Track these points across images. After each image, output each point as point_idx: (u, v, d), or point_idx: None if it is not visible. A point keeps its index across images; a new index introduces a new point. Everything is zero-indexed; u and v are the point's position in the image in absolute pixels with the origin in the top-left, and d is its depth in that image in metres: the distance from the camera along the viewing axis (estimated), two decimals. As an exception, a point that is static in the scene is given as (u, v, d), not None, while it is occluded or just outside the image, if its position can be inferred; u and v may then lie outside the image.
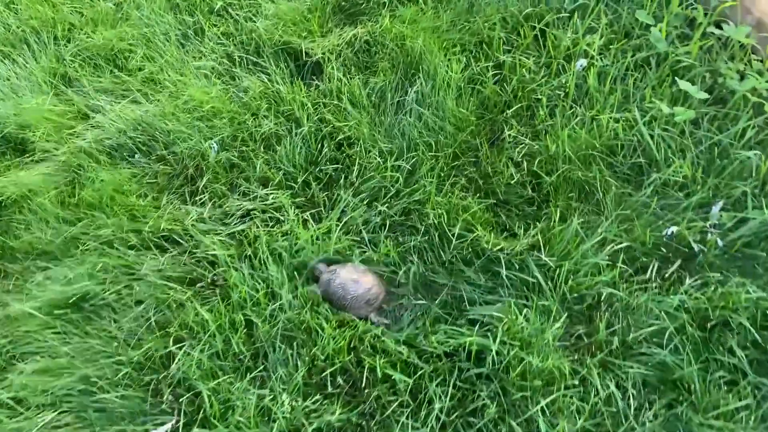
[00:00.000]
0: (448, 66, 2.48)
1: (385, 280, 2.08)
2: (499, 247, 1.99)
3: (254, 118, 2.53)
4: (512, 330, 1.85)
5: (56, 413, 1.88)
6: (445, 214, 2.11)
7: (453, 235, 2.06)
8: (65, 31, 2.96)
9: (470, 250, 2.04)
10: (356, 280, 2.01)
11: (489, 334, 1.87)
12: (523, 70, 2.43)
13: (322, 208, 2.28)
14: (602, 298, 1.93)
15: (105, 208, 2.27)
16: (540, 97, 2.38)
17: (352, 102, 2.49)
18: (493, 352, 1.80)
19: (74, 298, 2.07)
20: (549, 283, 1.97)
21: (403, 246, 2.11)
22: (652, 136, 2.21)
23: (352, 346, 1.94)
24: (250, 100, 2.56)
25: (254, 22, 2.86)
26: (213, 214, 2.30)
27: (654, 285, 1.96)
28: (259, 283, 2.05)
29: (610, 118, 2.26)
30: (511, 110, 2.36)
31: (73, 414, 1.90)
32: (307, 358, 1.93)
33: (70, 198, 2.34)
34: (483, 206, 2.12)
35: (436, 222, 2.10)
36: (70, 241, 2.23)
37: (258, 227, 2.22)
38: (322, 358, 1.90)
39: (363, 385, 1.86)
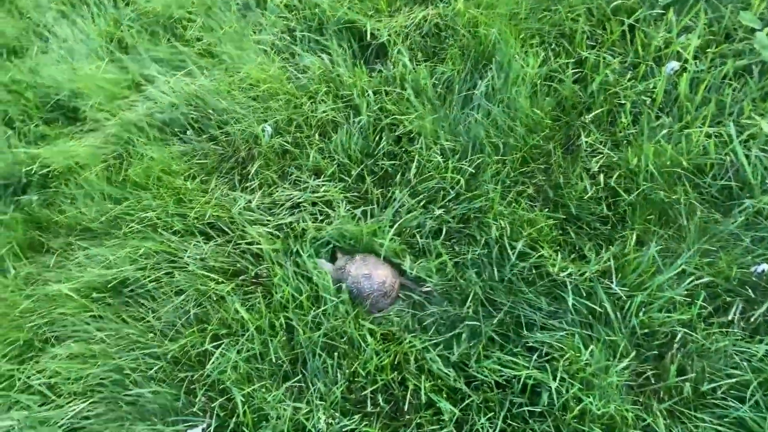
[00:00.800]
0: (524, 59, 2.26)
1: (395, 269, 1.95)
2: (567, 273, 1.80)
3: (311, 102, 2.37)
4: (574, 365, 1.68)
5: (87, 403, 1.80)
6: (508, 226, 1.93)
7: (515, 252, 1.88)
8: (124, -7, 2.84)
9: (534, 270, 1.86)
10: (368, 275, 1.90)
11: (548, 366, 1.70)
12: (607, 69, 2.19)
13: (375, 206, 2.12)
14: (676, 338, 1.73)
15: (151, 189, 2.17)
16: (624, 101, 2.15)
17: (416, 92, 2.30)
18: (553, 390, 1.63)
19: (113, 282, 1.98)
20: (618, 315, 1.77)
21: (460, 257, 1.94)
22: (747, 157, 1.96)
23: (396, 361, 1.80)
24: (308, 82, 2.40)
25: (319, -6, 2.68)
26: (261, 203, 2.17)
27: (736, 329, 1.74)
28: (304, 285, 1.92)
29: (701, 132, 2.02)
30: (590, 114, 2.13)
31: (104, 405, 1.82)
32: (347, 371, 1.80)
33: (117, 174, 2.25)
34: (551, 222, 1.92)
35: (497, 235, 1.92)
36: (114, 221, 2.13)
37: (306, 221, 2.09)
38: (364, 373, 1.77)
39: (405, 408, 1.72)
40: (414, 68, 2.37)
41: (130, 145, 2.33)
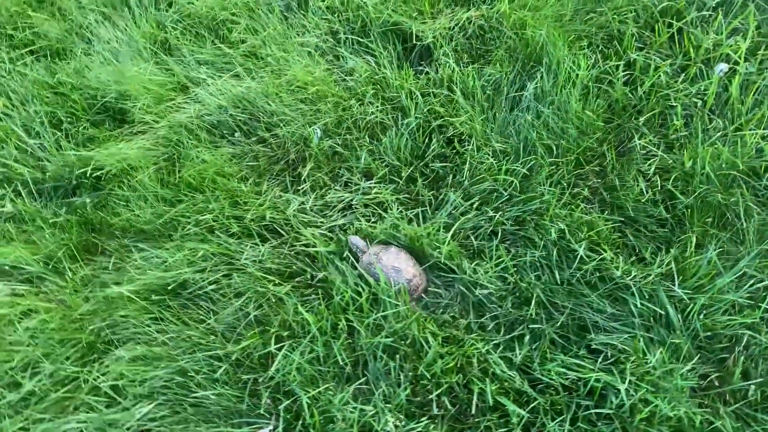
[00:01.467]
0: (573, 61, 2.26)
1: (423, 269, 1.97)
2: (631, 276, 1.80)
3: (359, 104, 2.37)
4: (640, 368, 1.68)
5: (153, 405, 1.81)
6: (566, 228, 1.93)
7: (576, 254, 1.88)
8: (166, -6, 2.83)
9: (595, 273, 1.85)
10: (398, 268, 1.91)
11: (613, 369, 1.70)
12: (659, 71, 2.19)
13: (428, 208, 2.12)
14: (739, 340, 1.73)
15: (206, 191, 2.16)
16: (674, 104, 2.14)
17: (465, 93, 2.30)
18: (622, 393, 1.63)
19: (173, 285, 1.98)
20: (680, 318, 1.77)
21: (519, 259, 1.94)
22: (802, 159, 1.96)
23: (458, 365, 1.80)
24: (356, 85, 2.40)
25: (361, -4, 2.67)
26: (314, 204, 2.17)
27: (800, 331, 1.74)
28: (363, 288, 1.92)
29: (755, 134, 2.02)
30: (642, 117, 2.13)
31: (169, 407, 1.83)
32: (410, 374, 1.80)
33: (170, 176, 2.24)
34: (610, 225, 1.92)
35: (555, 237, 1.92)
36: (169, 223, 2.13)
37: (359, 221, 2.09)
38: (429, 376, 1.77)
39: (472, 411, 1.72)
40: (461, 70, 2.36)
41: (181, 147, 2.32)
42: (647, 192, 1.99)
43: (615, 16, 2.38)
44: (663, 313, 1.78)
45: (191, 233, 2.08)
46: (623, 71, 2.24)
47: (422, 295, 1.96)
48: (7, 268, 2.10)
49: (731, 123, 2.08)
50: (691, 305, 1.77)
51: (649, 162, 2.05)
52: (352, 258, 2.02)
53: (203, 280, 1.99)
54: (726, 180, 1.98)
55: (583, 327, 1.83)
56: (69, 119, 2.45)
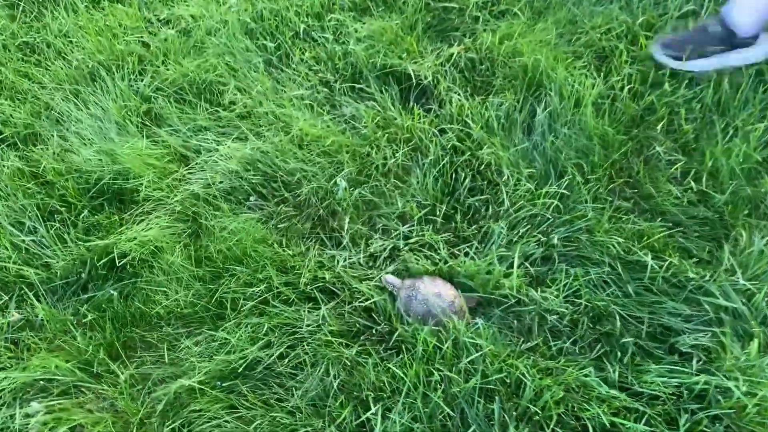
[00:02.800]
0: (574, 82, 2.32)
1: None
2: (701, 276, 1.85)
3: (375, 150, 2.31)
4: (737, 363, 1.71)
5: (253, 502, 1.64)
6: (620, 241, 1.96)
7: (639, 264, 1.91)
8: (135, 64, 2.65)
9: (663, 278, 1.89)
10: (438, 293, 1.88)
11: (710, 368, 1.73)
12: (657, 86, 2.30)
13: (475, 242, 2.09)
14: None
15: (247, 262, 2.02)
16: (678, 109, 2.25)
17: (479, 125, 2.30)
18: (735, 390, 1.65)
19: (242, 367, 1.82)
20: (749, 308, 1.84)
21: (583, 278, 1.94)
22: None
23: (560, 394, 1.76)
24: (369, 132, 2.34)
25: (345, 44, 2.63)
26: (360, 257, 2.08)
27: None
28: (443, 334, 1.85)
29: (757, 127, 2.15)
30: (659, 125, 2.22)
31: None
32: (514, 413, 1.74)
33: (200, 252, 2.08)
34: (665, 231, 1.97)
35: (616, 252, 1.95)
36: (215, 302, 1.97)
37: (412, 263, 2.02)
38: (536, 409, 1.72)
39: (590, 438, 1.69)
40: (469, 103, 2.37)
41: (200, 218, 2.16)
42: (683, 195, 2.06)
43: (599, 35, 2.48)
44: (735, 306, 1.84)
45: (244, 308, 1.93)
46: (625, 85, 2.33)
47: (466, 315, 1.92)
48: (39, 383, 1.85)
49: (733, 120, 2.20)
50: (757, 295, 1.84)
51: (675, 167, 2.13)
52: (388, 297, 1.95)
53: (270, 356, 1.85)
54: (750, 173, 2.09)
55: (663, 333, 1.85)
56: (64, 208, 2.22)
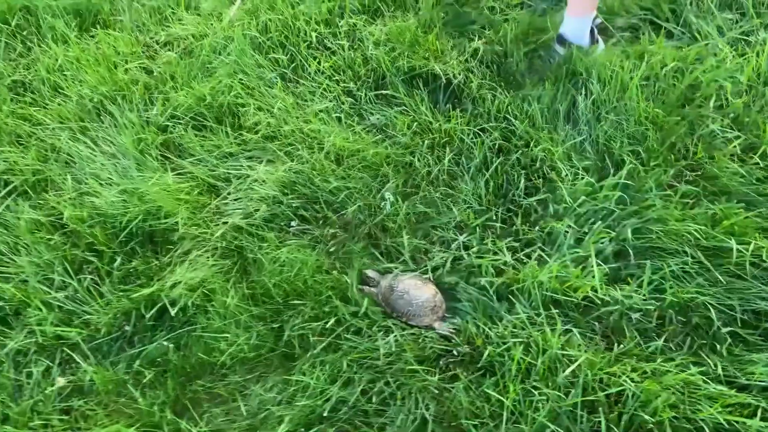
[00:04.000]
0: (613, 65, 2.22)
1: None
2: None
3: (417, 158, 2.18)
4: None
5: None
6: (698, 228, 1.86)
7: (726, 249, 1.82)
8: (142, 92, 2.46)
9: (750, 262, 1.80)
10: (419, 287, 1.84)
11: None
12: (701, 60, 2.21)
13: (542, 244, 1.98)
14: None
15: (309, 294, 1.87)
16: (723, 83, 2.17)
17: (523, 121, 2.19)
18: None
19: (326, 410, 1.68)
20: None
21: (665, 270, 1.84)
22: None
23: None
24: (407, 139, 2.20)
25: (363, 50, 2.48)
26: (417, 269, 1.95)
27: None
28: (533, 348, 1.73)
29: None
30: (710, 102, 2.13)
31: None
32: (621, 423, 1.64)
33: (253, 288, 1.92)
34: (740, 212, 1.88)
35: (692, 239, 1.85)
36: (283, 340, 1.82)
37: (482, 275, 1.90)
38: (645, 417, 1.61)
39: (709, 439, 1.59)
40: (506, 98, 2.25)
41: (246, 252, 2.00)
42: (749, 173, 1.98)
43: (625, 13, 2.38)
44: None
45: (316, 345, 1.78)
46: (663, 65, 2.23)
47: (445, 315, 1.86)
48: (105, 455, 1.68)
49: (779, 89, 2.13)
50: None
51: (733, 144, 2.05)
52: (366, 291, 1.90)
53: (353, 394, 1.70)
54: (810, 143, 2.01)
55: (756, 319, 1.76)
56: (94, 257, 2.03)
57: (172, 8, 2.76)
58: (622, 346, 1.75)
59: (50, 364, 1.85)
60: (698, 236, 1.84)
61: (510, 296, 1.85)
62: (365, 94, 2.37)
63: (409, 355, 1.77)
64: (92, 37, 2.70)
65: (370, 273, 1.93)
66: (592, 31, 2.29)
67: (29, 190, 2.23)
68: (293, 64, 2.51)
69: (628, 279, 1.86)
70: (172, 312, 1.84)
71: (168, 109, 2.35)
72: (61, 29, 2.65)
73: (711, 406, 1.59)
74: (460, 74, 2.34)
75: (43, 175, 2.26)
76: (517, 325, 1.77)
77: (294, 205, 2.11)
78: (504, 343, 1.74)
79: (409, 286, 1.83)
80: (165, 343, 1.84)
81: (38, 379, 1.83)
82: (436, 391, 1.72)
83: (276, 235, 2.05)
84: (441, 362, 1.80)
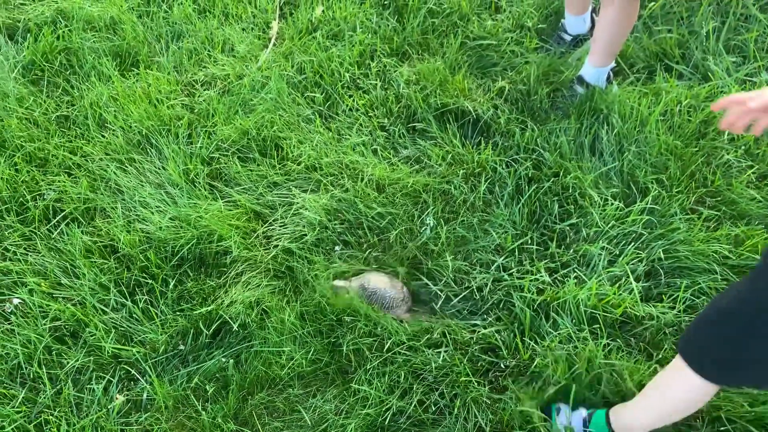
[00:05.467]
0: (632, 102, 2.39)
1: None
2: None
3: (453, 187, 2.30)
4: None
5: None
6: (725, 247, 1.99)
7: (751, 267, 1.94)
8: (185, 127, 2.58)
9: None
10: (386, 283, 2.00)
11: None
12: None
13: (577, 265, 2.09)
14: None
15: (360, 315, 1.95)
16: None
17: (552, 152, 2.33)
18: None
19: (386, 420, 1.74)
20: None
21: (696, 287, 1.96)
22: None
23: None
24: (443, 169, 2.34)
25: (395, 88, 2.63)
26: (458, 292, 2.05)
27: None
28: (577, 360, 1.82)
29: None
30: (725, 135, 2.29)
31: None
32: None
33: (307, 306, 2.00)
34: (763, 232, 2.02)
35: (718, 257, 1.98)
36: (339, 354, 1.89)
37: (522, 297, 2.00)
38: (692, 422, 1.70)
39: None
40: (535, 131, 2.40)
41: (296, 273, 2.09)
42: (766, 199, 2.12)
43: (638, 56, 2.57)
44: None
45: (371, 359, 1.85)
46: (679, 101, 2.41)
47: (410, 302, 2.03)
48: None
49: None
50: None
51: (747, 173, 2.20)
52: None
53: (411, 404, 1.77)
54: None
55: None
56: (149, 280, 2.10)
57: (209, 51, 2.89)
58: (660, 356, 1.84)
59: (111, 379, 1.89)
60: (727, 254, 1.97)
61: (552, 313, 1.94)
62: (398, 129, 2.51)
63: (461, 368, 1.85)
64: (134, 76, 2.82)
65: (338, 283, 2.04)
66: (608, 76, 2.47)
67: (80, 218, 2.30)
68: (328, 102, 2.64)
69: (662, 296, 1.97)
70: (234, 327, 1.90)
71: (214, 142, 2.45)
72: (103, 69, 2.77)
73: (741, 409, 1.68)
74: (488, 110, 2.48)
75: (93, 203, 2.33)
76: (563, 339, 1.86)
77: (338, 230, 2.21)
78: (550, 355, 1.82)
79: (377, 283, 1.98)
80: (223, 359, 1.90)
81: (99, 396, 1.87)
82: (489, 402, 1.79)
83: (323, 258, 2.14)
84: (490, 375, 1.88)
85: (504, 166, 2.32)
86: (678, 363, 1.39)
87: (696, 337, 1.36)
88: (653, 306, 1.95)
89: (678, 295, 1.94)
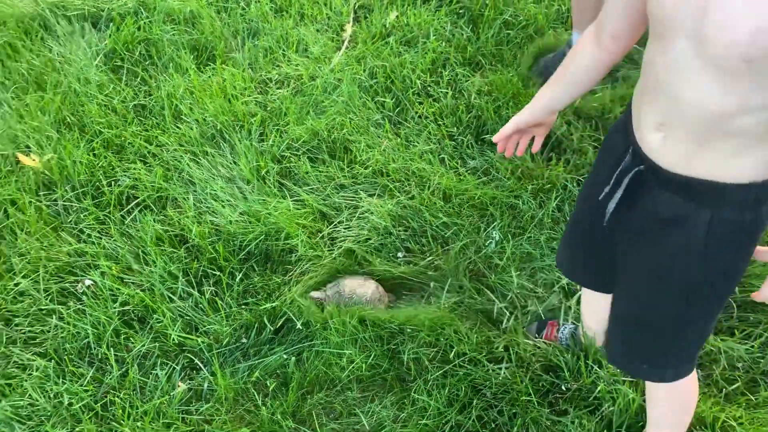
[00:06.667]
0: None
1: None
2: None
3: (521, 201, 2.27)
4: None
5: None
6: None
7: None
8: (258, 124, 2.61)
9: None
10: (362, 284, 2.04)
11: None
12: None
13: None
14: None
15: (423, 323, 1.94)
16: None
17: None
18: None
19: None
20: None
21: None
22: None
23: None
24: (512, 183, 2.31)
25: (465, 98, 2.62)
26: (526, 312, 2.02)
27: None
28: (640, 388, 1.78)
29: None
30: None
31: None
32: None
33: (366, 311, 2.00)
34: None
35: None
36: (398, 361, 1.89)
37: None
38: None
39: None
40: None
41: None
42: None
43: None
44: None
45: (431, 369, 1.85)
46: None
47: (386, 301, 2.06)
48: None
49: None
50: None
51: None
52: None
53: (469, 419, 1.76)
54: None
55: None
56: (217, 272, 2.14)
57: (283, 50, 2.93)
58: (729, 391, 1.78)
59: (174, 366, 1.93)
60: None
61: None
62: (467, 139, 2.49)
63: (521, 387, 1.83)
64: (211, 71, 2.88)
65: (315, 294, 2.06)
66: None
67: (152, 205, 2.36)
68: (398, 108, 2.64)
69: (734, 331, 1.91)
70: (298, 324, 1.92)
71: (285, 141, 2.48)
72: (181, 61, 2.83)
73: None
74: (560, 126, 2.45)
75: (166, 192, 2.39)
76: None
77: (402, 236, 2.21)
78: (614, 382, 1.79)
79: (353, 286, 2.02)
80: (285, 355, 1.92)
81: (162, 382, 1.91)
82: (548, 422, 1.77)
83: (385, 262, 2.14)
84: (550, 396, 1.85)
85: (575, 184, 2.28)
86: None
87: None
88: (722, 340, 1.88)
89: (750, 331, 1.87)
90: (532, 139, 1.46)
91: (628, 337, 1.35)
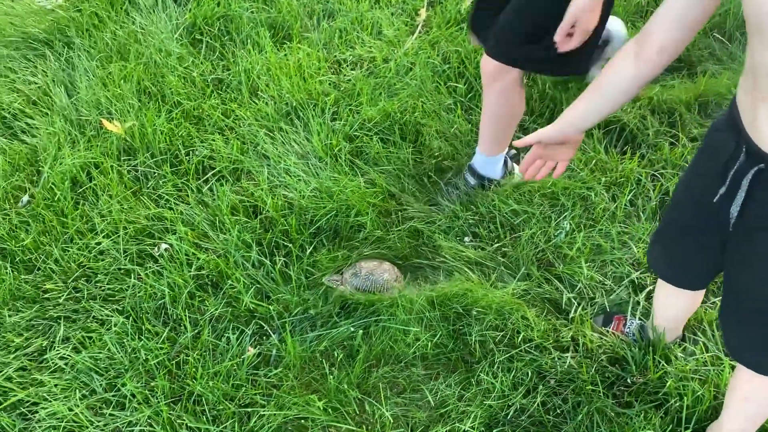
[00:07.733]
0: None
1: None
2: None
3: (594, 193, 2.25)
4: None
5: None
6: None
7: None
8: (331, 103, 2.65)
9: None
10: (378, 266, 2.06)
11: None
12: None
13: (716, 289, 2.00)
14: None
15: (489, 306, 1.95)
16: None
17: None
18: None
19: (509, 415, 1.74)
20: None
21: None
22: None
23: None
24: (586, 175, 2.29)
25: (534, 87, 2.60)
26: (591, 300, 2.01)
27: None
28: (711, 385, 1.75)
29: None
30: None
31: None
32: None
33: (436, 291, 2.02)
34: None
35: None
36: (462, 342, 1.90)
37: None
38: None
39: None
40: (691, 147, 2.31)
41: (423, 259, 2.12)
42: None
43: None
44: None
45: (497, 352, 1.86)
46: None
47: (402, 281, 2.09)
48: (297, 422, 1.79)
49: None
50: None
51: None
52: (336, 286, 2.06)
53: (534, 403, 1.77)
54: None
55: None
56: (283, 241, 2.19)
57: (358, 32, 2.96)
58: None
59: (246, 330, 1.99)
60: None
61: (689, 335, 1.87)
62: (539, 128, 2.47)
63: (586, 376, 1.82)
64: (287, 49, 2.93)
65: (331, 278, 2.08)
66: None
67: (227, 176, 2.43)
68: (470, 94, 2.64)
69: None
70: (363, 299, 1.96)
71: (357, 121, 2.51)
72: (259, 39, 2.89)
73: None
74: (635, 118, 2.41)
75: (241, 165, 2.45)
76: (699, 361, 1.80)
77: (470, 221, 2.22)
78: (684, 378, 1.77)
79: (370, 268, 2.04)
80: (352, 328, 1.96)
81: (233, 345, 1.97)
82: (613, 414, 1.76)
83: (452, 246, 2.15)
84: (615, 388, 1.84)
85: (649, 179, 2.25)
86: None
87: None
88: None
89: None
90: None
91: (754, 329, 1.32)
